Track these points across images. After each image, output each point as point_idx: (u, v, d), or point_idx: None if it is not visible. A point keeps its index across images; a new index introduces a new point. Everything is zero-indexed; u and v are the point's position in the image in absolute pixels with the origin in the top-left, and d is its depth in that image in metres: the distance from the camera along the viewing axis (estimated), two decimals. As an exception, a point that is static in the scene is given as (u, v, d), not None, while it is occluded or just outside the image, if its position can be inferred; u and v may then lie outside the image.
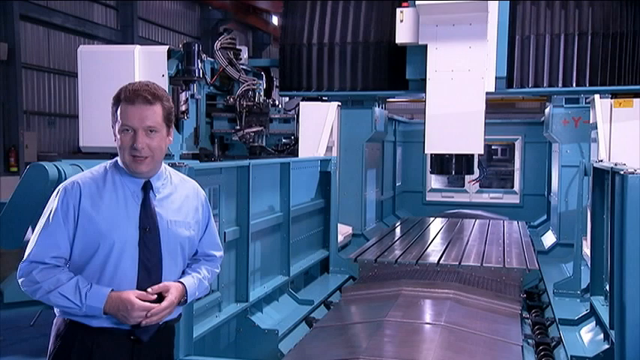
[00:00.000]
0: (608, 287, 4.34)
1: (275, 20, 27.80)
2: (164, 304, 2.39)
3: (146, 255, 2.40)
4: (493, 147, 14.67)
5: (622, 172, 3.46)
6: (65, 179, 4.49)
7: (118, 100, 2.38)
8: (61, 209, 2.35)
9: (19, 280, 2.38)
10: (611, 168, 3.99)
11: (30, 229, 4.44)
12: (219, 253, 2.73)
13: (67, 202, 2.35)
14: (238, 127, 7.38)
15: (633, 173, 3.35)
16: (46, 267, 2.33)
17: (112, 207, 2.38)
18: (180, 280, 2.51)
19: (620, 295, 3.46)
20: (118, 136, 2.39)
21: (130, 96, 2.36)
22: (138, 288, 2.38)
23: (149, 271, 2.40)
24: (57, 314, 2.46)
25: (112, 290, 2.35)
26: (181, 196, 2.55)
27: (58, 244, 2.35)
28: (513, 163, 10.34)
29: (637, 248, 3.39)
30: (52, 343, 2.44)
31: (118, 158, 2.46)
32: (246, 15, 26.57)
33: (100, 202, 2.37)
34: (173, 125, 2.51)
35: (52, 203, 2.39)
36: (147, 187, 2.44)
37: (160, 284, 2.42)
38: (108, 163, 2.49)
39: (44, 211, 2.41)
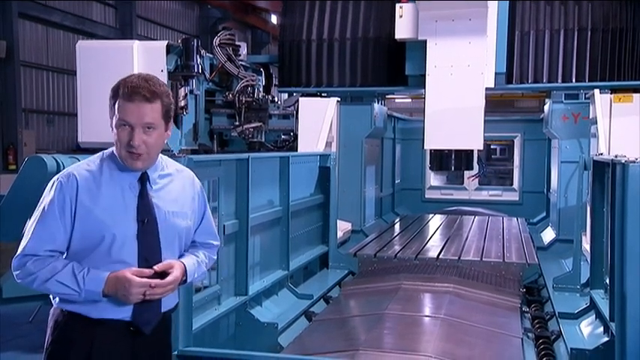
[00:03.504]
0: (608, 280, 4.33)
1: (274, 19, 27.81)
2: (169, 278, 2.37)
3: (145, 247, 2.38)
4: (492, 146, 14.66)
5: (623, 162, 3.45)
6: (64, 172, 4.51)
7: (116, 94, 2.34)
8: (58, 202, 2.31)
9: (14, 273, 2.34)
10: (612, 160, 3.99)
11: (29, 221, 4.43)
12: (216, 242, 2.73)
13: (64, 195, 2.31)
14: (237, 123, 7.35)
15: (634, 162, 3.35)
16: (39, 258, 2.30)
17: (109, 199, 2.35)
18: (181, 259, 2.50)
19: (621, 287, 3.46)
20: (115, 130, 2.36)
21: (129, 93, 2.31)
22: None
23: (149, 263, 2.37)
24: (55, 305, 2.42)
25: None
26: (178, 187, 2.53)
27: (54, 238, 2.31)
28: (512, 160, 10.34)
29: (638, 239, 3.38)
30: (50, 334, 2.40)
31: (113, 148, 2.42)
32: (245, 14, 26.60)
33: (98, 193, 2.34)
34: (172, 119, 2.47)
35: (48, 196, 2.34)
36: (143, 179, 2.42)
37: (165, 262, 2.41)
38: (103, 153, 2.45)
39: (39, 203, 2.36)
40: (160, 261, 2.41)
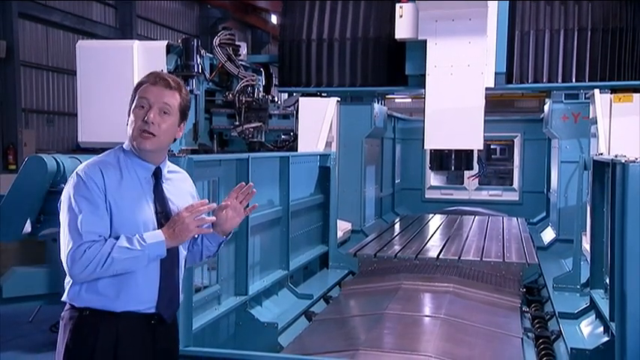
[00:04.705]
0: (608, 280, 4.33)
1: (274, 19, 27.81)
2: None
3: None
4: (492, 146, 14.67)
5: (623, 162, 3.45)
6: (64, 171, 4.51)
7: (140, 84, 2.44)
8: (92, 190, 2.31)
9: (72, 270, 2.28)
10: (612, 160, 3.99)
11: (29, 221, 4.43)
12: None
13: (96, 185, 2.32)
14: (237, 123, 7.36)
15: (634, 162, 3.35)
16: (93, 243, 2.28)
17: (132, 191, 2.39)
18: None
19: (621, 286, 3.46)
20: (132, 115, 2.41)
21: (154, 79, 2.43)
22: (161, 270, 2.42)
23: (167, 256, 2.40)
24: (75, 305, 2.37)
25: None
26: (180, 184, 2.63)
27: (104, 222, 2.31)
28: (512, 160, 10.34)
29: (638, 239, 3.38)
30: (70, 336, 2.36)
31: (124, 144, 2.46)
32: (245, 14, 26.60)
33: (120, 186, 2.37)
34: (185, 122, 2.53)
35: (80, 185, 2.32)
36: (157, 173, 2.48)
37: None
38: (114, 150, 2.48)
39: (67, 197, 2.33)
40: (177, 254, 2.49)
